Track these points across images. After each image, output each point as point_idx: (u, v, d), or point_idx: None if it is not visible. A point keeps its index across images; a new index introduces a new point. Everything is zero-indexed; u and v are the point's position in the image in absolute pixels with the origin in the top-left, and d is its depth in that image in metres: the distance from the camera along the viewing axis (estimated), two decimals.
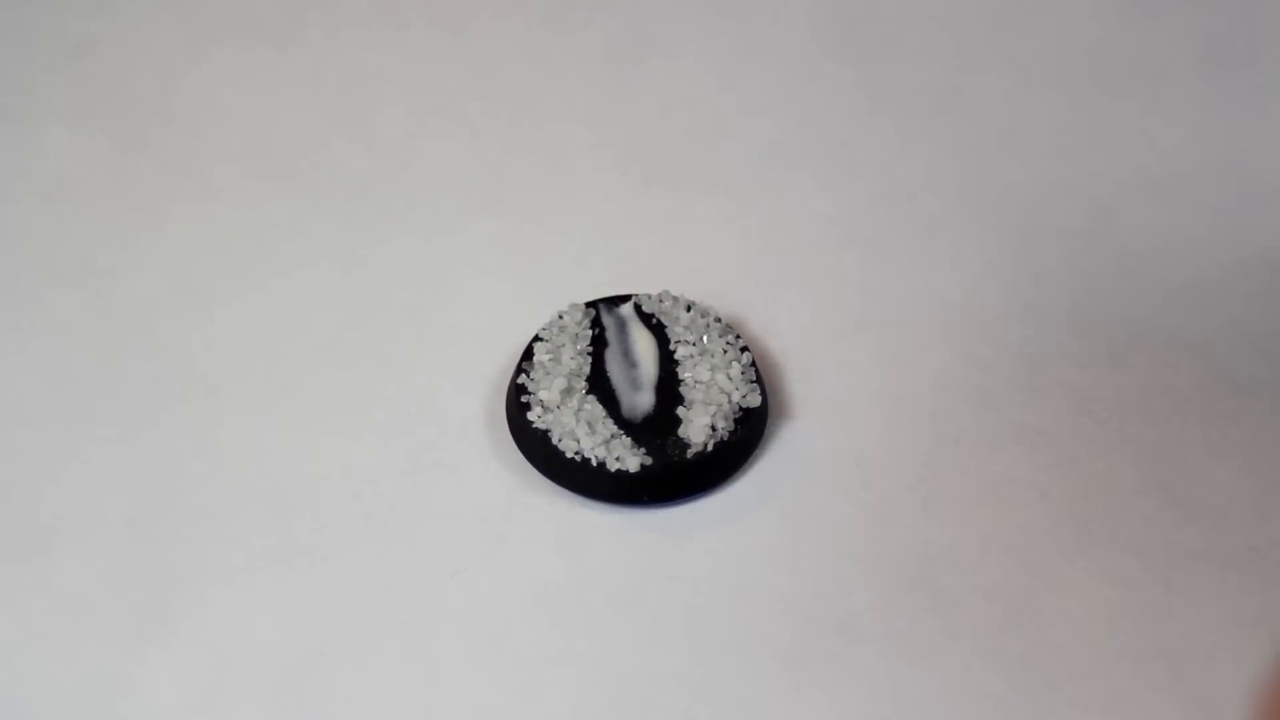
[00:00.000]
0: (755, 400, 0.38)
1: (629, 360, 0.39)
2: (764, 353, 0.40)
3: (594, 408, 0.38)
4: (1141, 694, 0.35)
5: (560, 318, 0.39)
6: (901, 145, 0.44)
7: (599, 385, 0.39)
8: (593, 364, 0.39)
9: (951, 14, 0.47)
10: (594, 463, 0.37)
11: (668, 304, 0.40)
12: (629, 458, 0.37)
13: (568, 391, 0.38)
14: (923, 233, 0.42)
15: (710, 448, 0.38)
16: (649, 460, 0.37)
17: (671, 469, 0.37)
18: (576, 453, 0.37)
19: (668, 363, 0.39)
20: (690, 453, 0.37)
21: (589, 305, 0.40)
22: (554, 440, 0.38)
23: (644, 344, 0.39)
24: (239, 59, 0.46)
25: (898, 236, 0.42)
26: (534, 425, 0.38)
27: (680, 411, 0.38)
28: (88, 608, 0.36)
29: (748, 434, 0.38)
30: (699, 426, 0.38)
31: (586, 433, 0.38)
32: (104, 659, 0.36)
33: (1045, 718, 0.35)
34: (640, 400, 0.38)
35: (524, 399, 0.38)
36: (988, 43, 0.46)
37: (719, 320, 0.40)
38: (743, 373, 0.39)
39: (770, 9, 0.47)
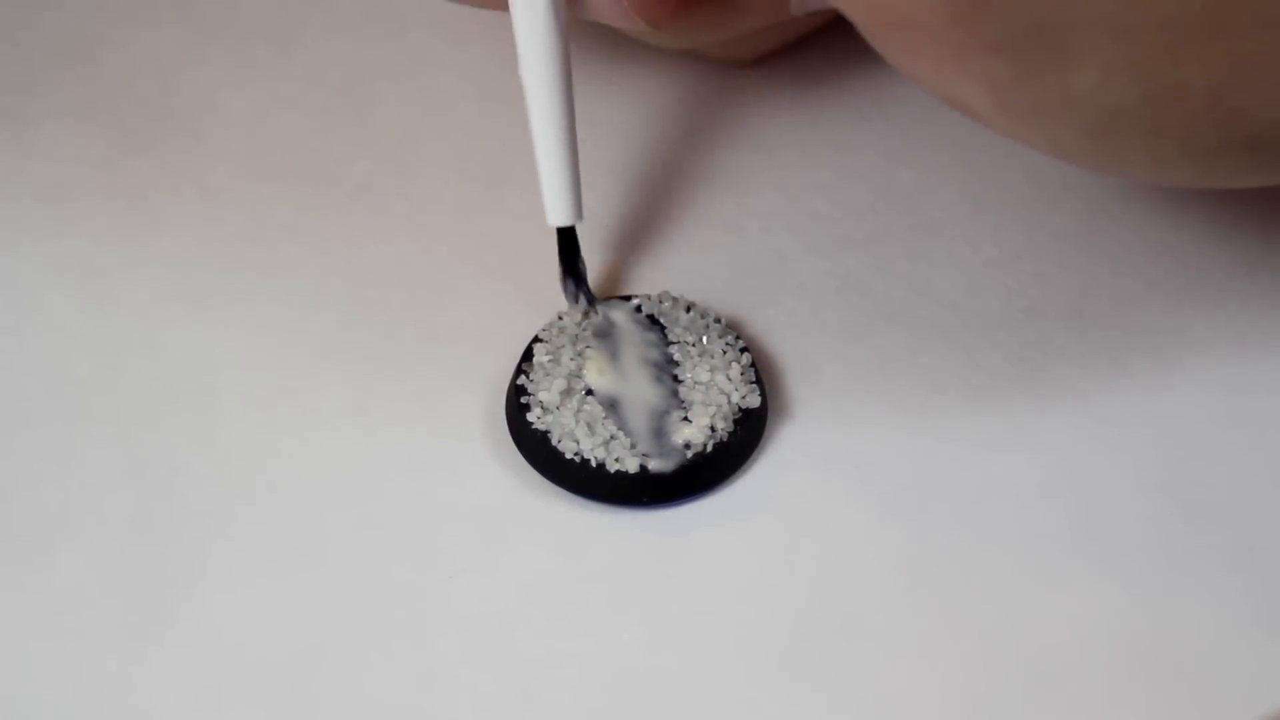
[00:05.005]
0: (755, 401, 0.38)
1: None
2: (764, 353, 0.40)
3: (593, 408, 0.38)
4: (1141, 694, 0.35)
5: (560, 318, 0.39)
6: (901, 145, 0.44)
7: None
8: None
9: None
10: (593, 463, 0.37)
11: (667, 304, 0.40)
12: (628, 458, 0.37)
13: (567, 392, 0.38)
14: (923, 233, 0.42)
15: (710, 448, 0.38)
16: (649, 461, 0.37)
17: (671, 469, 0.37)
18: (576, 453, 0.37)
19: (667, 363, 0.39)
20: (690, 453, 0.37)
21: (588, 306, 0.40)
22: (553, 441, 0.38)
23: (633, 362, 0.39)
24: (239, 59, 0.46)
25: (898, 237, 0.42)
26: (533, 426, 0.38)
27: (679, 412, 0.38)
28: (88, 608, 0.36)
29: (747, 434, 0.38)
30: (698, 427, 0.38)
31: (586, 433, 0.37)
32: (104, 659, 0.36)
33: (1045, 718, 0.35)
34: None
35: (523, 400, 0.38)
36: None
37: (719, 320, 0.40)
38: (742, 373, 0.39)
39: None
